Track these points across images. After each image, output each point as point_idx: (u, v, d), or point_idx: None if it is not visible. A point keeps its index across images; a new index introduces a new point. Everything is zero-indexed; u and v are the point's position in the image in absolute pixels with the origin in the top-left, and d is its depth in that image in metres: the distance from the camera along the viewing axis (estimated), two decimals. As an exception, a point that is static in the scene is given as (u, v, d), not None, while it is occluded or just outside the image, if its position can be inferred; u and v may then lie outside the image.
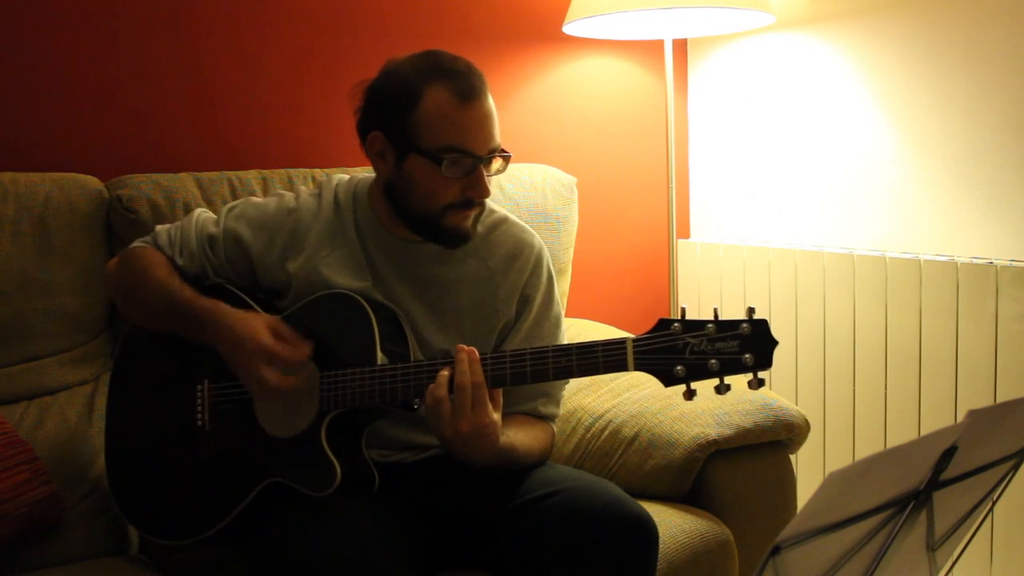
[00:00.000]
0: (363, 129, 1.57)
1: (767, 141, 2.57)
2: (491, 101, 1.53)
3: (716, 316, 1.34)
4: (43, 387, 1.85)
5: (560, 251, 2.25)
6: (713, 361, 1.32)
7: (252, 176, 2.06)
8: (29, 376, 1.84)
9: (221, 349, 1.51)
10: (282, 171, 2.10)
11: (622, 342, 1.37)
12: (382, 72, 1.56)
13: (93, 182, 1.95)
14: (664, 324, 1.35)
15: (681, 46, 2.75)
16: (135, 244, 1.70)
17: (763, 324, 1.32)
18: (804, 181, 2.48)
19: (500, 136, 1.54)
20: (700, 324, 1.34)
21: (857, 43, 2.32)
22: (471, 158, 1.50)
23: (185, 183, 1.98)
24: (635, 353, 1.36)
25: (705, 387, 1.35)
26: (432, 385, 1.41)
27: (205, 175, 2.02)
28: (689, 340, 1.34)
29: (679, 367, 1.34)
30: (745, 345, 1.32)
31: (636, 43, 2.62)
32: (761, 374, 1.33)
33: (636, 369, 1.36)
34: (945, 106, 2.15)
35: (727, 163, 2.69)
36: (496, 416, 1.41)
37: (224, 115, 2.24)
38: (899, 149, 2.26)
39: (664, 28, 2.41)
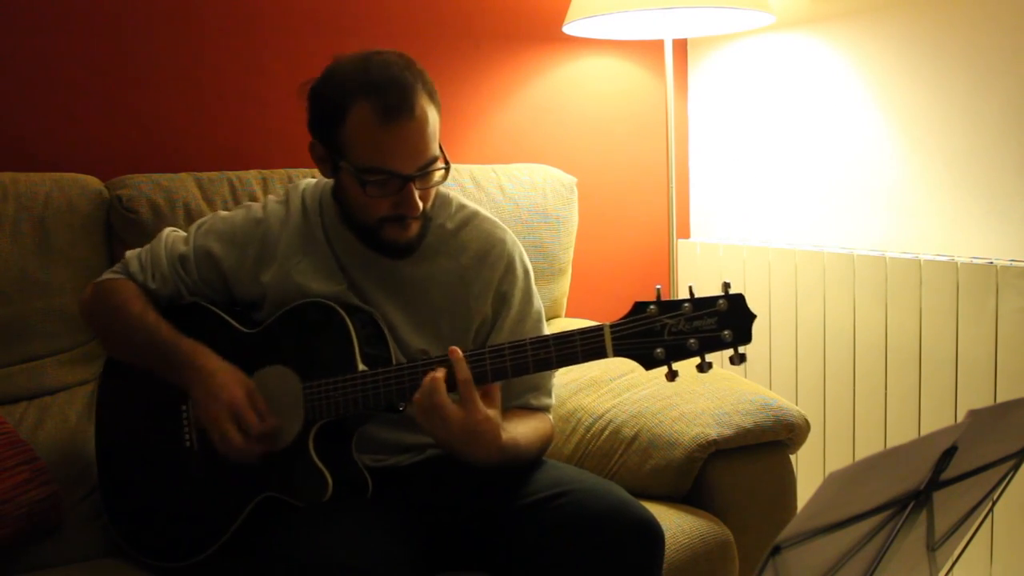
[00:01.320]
0: (309, 130, 1.54)
1: (767, 141, 2.57)
2: (424, 112, 1.45)
3: (692, 295, 1.33)
4: (43, 387, 1.85)
5: (560, 251, 2.25)
6: (692, 340, 1.31)
7: (252, 176, 2.05)
8: (29, 376, 1.84)
9: (193, 393, 1.50)
10: (282, 171, 2.10)
11: (599, 328, 1.36)
12: (323, 73, 1.51)
13: (93, 182, 1.95)
14: (640, 307, 1.34)
15: (681, 46, 2.75)
16: (106, 276, 1.66)
17: (739, 298, 1.31)
18: (804, 181, 2.48)
19: (435, 148, 1.48)
20: (676, 304, 1.33)
21: (857, 43, 2.32)
22: (397, 178, 1.46)
23: (185, 183, 1.98)
24: (613, 339, 1.35)
25: (687, 367, 1.34)
26: (422, 393, 1.38)
27: (205, 175, 2.02)
28: (667, 321, 1.32)
29: (659, 349, 1.33)
30: (723, 321, 1.31)
31: (636, 43, 2.62)
32: (748, 357, 1.33)
33: (615, 355, 1.35)
34: (945, 106, 2.15)
35: (727, 163, 2.69)
36: (492, 412, 1.40)
37: (224, 115, 2.24)
38: (899, 149, 2.26)
39: (664, 28, 2.41)
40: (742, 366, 1.42)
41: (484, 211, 1.68)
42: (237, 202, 1.98)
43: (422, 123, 1.45)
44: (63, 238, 1.87)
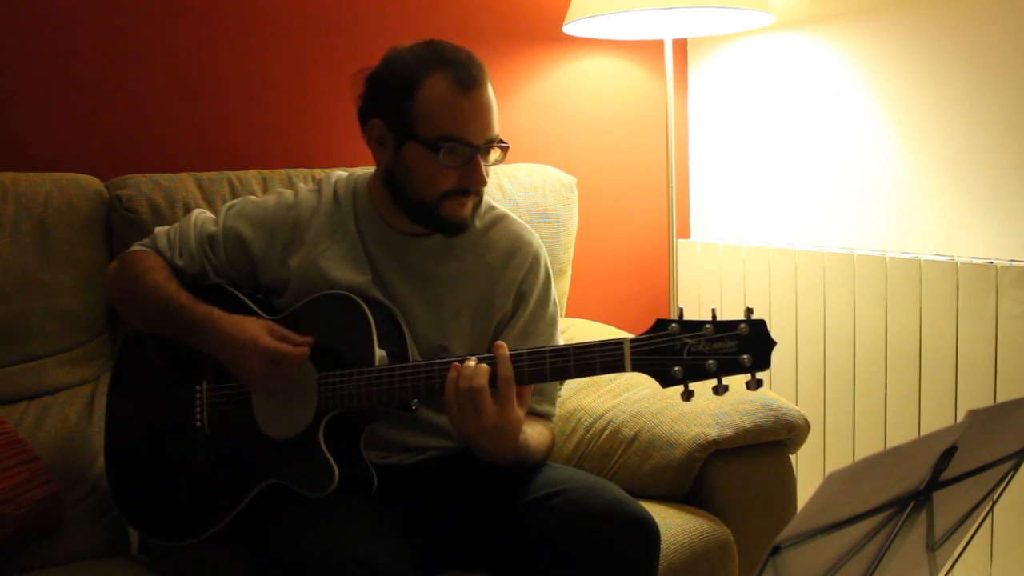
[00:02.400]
0: (363, 116, 1.58)
1: (767, 141, 2.57)
2: (491, 91, 1.53)
3: (714, 317, 1.33)
4: (43, 387, 1.85)
5: (560, 251, 2.25)
6: (711, 362, 1.32)
7: (252, 176, 2.06)
8: (29, 376, 1.84)
9: (222, 356, 1.51)
10: (282, 171, 2.10)
11: (619, 343, 1.37)
12: (384, 60, 1.57)
13: (93, 182, 1.95)
14: (662, 325, 1.35)
15: (681, 46, 2.75)
16: (134, 248, 1.69)
17: (761, 325, 1.32)
18: (804, 181, 2.48)
19: (499, 127, 1.54)
20: (698, 324, 1.33)
21: (857, 43, 2.32)
22: (468, 147, 1.50)
23: (185, 183, 1.98)
24: (632, 354, 1.36)
25: (703, 387, 1.35)
26: (463, 376, 1.39)
27: (205, 175, 2.02)
28: (687, 341, 1.33)
29: (677, 368, 1.33)
30: (743, 346, 1.31)
31: (636, 43, 2.62)
32: (760, 375, 1.33)
33: (633, 370, 1.36)
34: (945, 106, 2.15)
35: (727, 163, 2.69)
36: (521, 413, 1.41)
37: (224, 115, 2.24)
38: (899, 149, 2.26)
39: (664, 28, 2.41)
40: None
41: (513, 214, 1.71)
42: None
43: (491, 99, 1.52)
44: (63, 238, 1.87)
